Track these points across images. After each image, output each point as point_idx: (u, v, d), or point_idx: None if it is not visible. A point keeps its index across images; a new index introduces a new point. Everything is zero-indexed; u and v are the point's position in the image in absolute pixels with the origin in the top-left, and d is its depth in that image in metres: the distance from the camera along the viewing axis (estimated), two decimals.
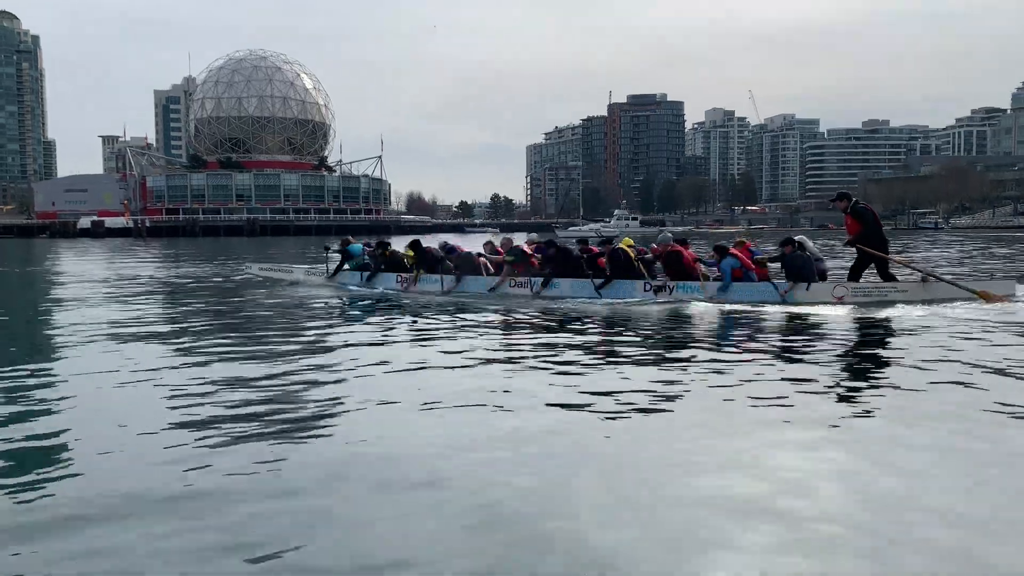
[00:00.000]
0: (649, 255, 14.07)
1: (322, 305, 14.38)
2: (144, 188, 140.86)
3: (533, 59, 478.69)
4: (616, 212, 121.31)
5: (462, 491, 4.26)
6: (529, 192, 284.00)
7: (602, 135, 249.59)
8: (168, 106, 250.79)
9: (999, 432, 5.19)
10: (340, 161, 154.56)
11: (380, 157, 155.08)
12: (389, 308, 13.60)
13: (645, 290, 13.30)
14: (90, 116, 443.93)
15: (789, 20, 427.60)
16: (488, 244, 16.33)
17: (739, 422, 5.56)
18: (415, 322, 11.65)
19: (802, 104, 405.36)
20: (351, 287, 16.80)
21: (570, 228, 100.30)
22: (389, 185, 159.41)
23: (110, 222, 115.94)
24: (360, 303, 14.70)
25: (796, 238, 13.29)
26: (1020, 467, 4.56)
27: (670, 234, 14.73)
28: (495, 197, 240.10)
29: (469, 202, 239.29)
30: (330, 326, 11.46)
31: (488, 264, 15.56)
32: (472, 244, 17.07)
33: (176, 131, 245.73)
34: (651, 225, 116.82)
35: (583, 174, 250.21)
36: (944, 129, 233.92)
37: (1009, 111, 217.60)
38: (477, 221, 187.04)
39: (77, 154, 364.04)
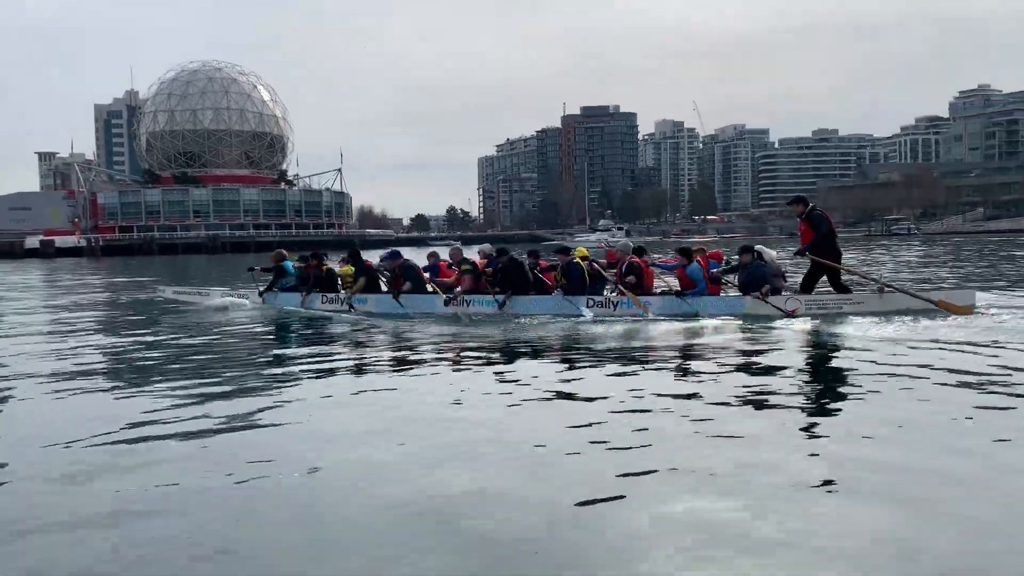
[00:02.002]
0: (604, 261, 13.66)
1: (253, 331, 13.24)
2: (95, 205, 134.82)
3: (479, 72, 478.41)
4: (602, 222, 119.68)
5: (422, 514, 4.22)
6: (482, 204, 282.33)
7: (557, 147, 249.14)
8: (110, 120, 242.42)
9: (956, 446, 5.18)
10: (297, 175, 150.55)
11: (340, 170, 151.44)
12: (322, 331, 12.81)
13: (588, 306, 12.76)
14: (24, 132, 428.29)
15: (730, 33, 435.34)
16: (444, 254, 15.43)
17: (679, 443, 5.48)
18: (364, 349, 10.90)
19: (748, 114, 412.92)
20: (287, 307, 15.52)
21: (577, 237, 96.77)
22: (351, 199, 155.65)
23: (60, 241, 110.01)
24: (295, 327, 13.70)
25: (756, 247, 12.85)
26: (973, 480, 4.52)
27: (631, 243, 14.19)
28: (451, 209, 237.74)
29: (425, 215, 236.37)
30: (265, 356, 10.54)
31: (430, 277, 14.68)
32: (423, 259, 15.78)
33: (119, 146, 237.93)
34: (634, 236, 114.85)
35: (538, 185, 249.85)
36: (890, 137, 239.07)
37: (952, 120, 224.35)
38: (434, 234, 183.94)
39: (10, 172, 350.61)
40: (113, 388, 8.35)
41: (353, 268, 14.97)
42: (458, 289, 13.88)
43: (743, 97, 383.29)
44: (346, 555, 3.81)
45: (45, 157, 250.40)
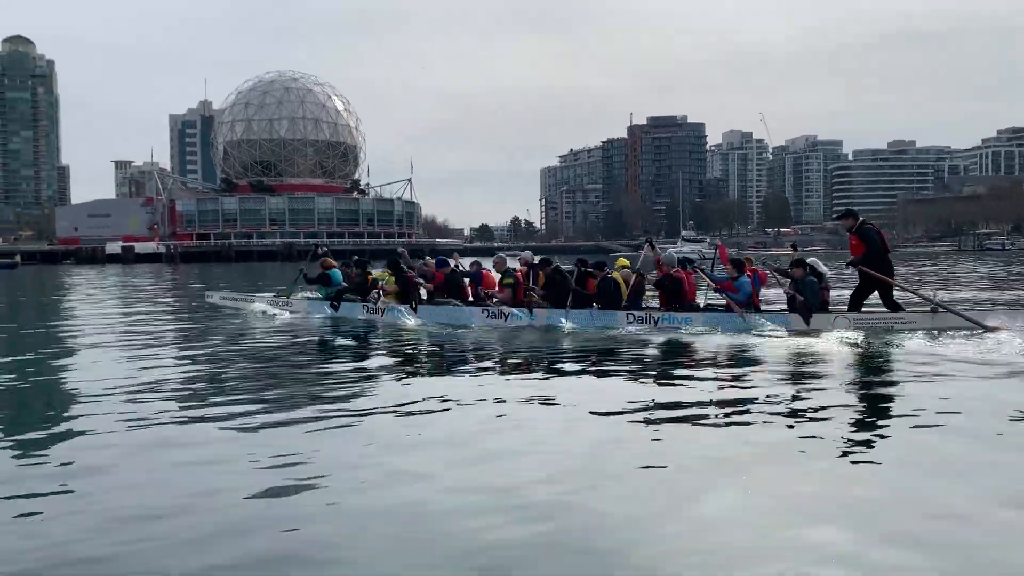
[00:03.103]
0: (650, 276, 13.53)
1: (293, 340, 12.87)
2: (173, 212, 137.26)
3: (541, 84, 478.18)
4: (683, 234, 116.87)
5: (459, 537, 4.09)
6: (544, 215, 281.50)
7: (623, 157, 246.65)
8: (184, 130, 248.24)
9: (1006, 478, 4.90)
10: (368, 184, 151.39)
11: (410, 179, 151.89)
12: (362, 340, 12.69)
13: (628, 321, 12.59)
14: (101, 141, 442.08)
15: (796, 43, 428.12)
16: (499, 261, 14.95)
17: (724, 464, 5.30)
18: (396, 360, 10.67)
19: (818, 126, 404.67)
20: (317, 316, 15.59)
21: (670, 249, 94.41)
22: (420, 208, 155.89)
23: (140, 247, 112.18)
24: (334, 336, 13.38)
25: (808, 260, 12.68)
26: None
27: (675, 255, 13.97)
28: (515, 220, 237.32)
29: (489, 225, 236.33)
30: (301, 366, 10.24)
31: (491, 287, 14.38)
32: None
33: (192, 155, 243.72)
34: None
35: (602, 196, 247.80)
36: (971, 149, 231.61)
37: None
38: (499, 244, 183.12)
39: (89, 180, 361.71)
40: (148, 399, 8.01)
41: (393, 276, 14.91)
42: (495, 300, 13.86)
43: (812, 108, 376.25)
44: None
45: (121, 165, 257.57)
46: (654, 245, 14.71)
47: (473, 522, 4.23)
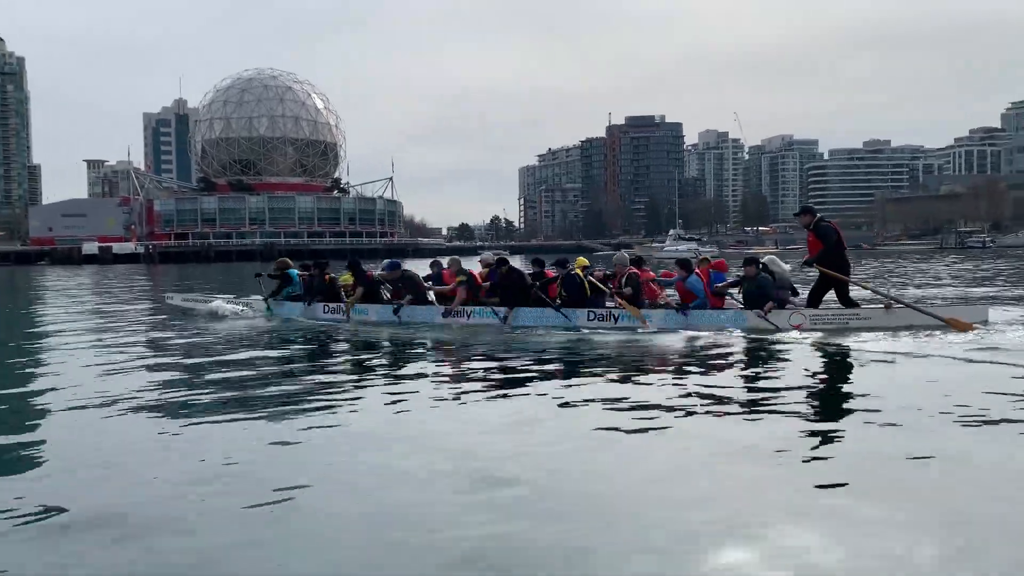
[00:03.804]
0: (605, 274, 13.47)
1: (254, 342, 12.86)
2: (151, 212, 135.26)
3: (518, 84, 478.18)
4: (671, 232, 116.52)
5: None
6: (523, 214, 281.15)
7: (601, 156, 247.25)
8: (158, 129, 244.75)
9: (960, 473, 4.96)
10: (348, 183, 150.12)
11: (391, 178, 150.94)
12: (324, 341, 12.68)
13: (589, 319, 12.54)
14: (73, 140, 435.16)
15: (769, 44, 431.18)
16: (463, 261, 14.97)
17: (674, 461, 5.32)
18: (356, 360, 10.84)
19: (793, 126, 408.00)
20: (290, 317, 15.48)
21: (665, 248, 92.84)
22: (402, 207, 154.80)
23: (118, 248, 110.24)
24: (296, 338, 13.30)
25: (763, 258, 12.66)
26: (978, 509, 4.31)
27: (627, 255, 13.82)
28: (495, 219, 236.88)
29: (469, 224, 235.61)
30: (263, 369, 10.01)
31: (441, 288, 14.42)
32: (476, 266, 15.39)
33: (167, 154, 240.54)
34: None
35: (581, 195, 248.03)
36: (944, 149, 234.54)
37: (1008, 132, 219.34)
38: (481, 244, 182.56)
39: (61, 179, 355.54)
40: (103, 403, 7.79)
41: (353, 277, 14.84)
42: (455, 301, 13.76)
43: (787, 109, 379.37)
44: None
45: (94, 165, 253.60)
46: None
47: (445, 522, 4.21)
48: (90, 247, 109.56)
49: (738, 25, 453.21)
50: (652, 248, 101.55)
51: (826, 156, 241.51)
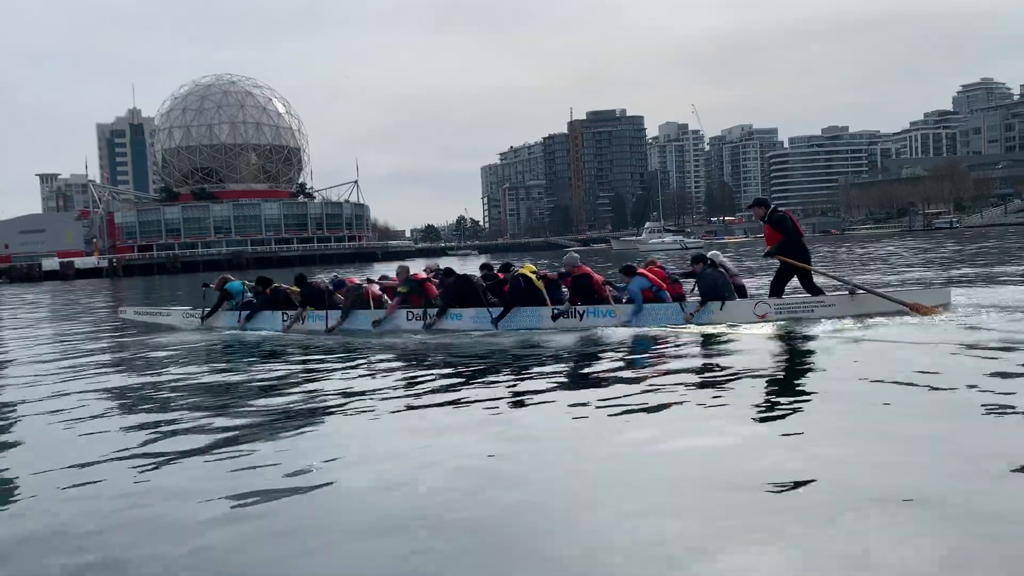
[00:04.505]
0: (555, 277, 13.30)
1: (184, 353, 12.94)
2: (112, 224, 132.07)
3: (474, 84, 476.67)
4: (648, 224, 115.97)
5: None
6: (487, 213, 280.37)
7: (564, 152, 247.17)
8: (113, 140, 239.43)
9: (928, 458, 4.93)
10: (312, 188, 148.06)
11: (356, 182, 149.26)
12: (267, 352, 12.55)
13: (553, 318, 12.38)
14: (24, 154, 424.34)
15: (721, 35, 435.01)
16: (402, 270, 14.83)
17: (650, 455, 5.33)
18: (287, 366, 10.89)
19: (750, 116, 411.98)
20: (226, 331, 15.34)
21: (651, 241, 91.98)
22: (369, 210, 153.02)
23: (80, 262, 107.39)
24: (231, 348, 13.38)
25: (708, 253, 12.82)
26: (945, 492, 4.29)
27: (576, 254, 13.80)
28: (460, 219, 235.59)
29: (435, 226, 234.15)
30: (186, 378, 10.19)
31: (386, 296, 14.35)
32: (462, 269, 15.12)
33: (122, 165, 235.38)
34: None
35: (546, 192, 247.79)
36: (899, 133, 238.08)
37: (961, 115, 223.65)
38: (453, 244, 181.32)
39: (11, 194, 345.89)
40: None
41: (299, 289, 15.03)
42: (384, 312, 13.76)
43: (744, 99, 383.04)
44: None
45: (47, 179, 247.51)
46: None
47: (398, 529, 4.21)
48: (50, 263, 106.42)
49: (689, 16, 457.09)
50: (636, 242, 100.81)
51: (786, 144, 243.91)
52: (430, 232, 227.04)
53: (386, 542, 4.03)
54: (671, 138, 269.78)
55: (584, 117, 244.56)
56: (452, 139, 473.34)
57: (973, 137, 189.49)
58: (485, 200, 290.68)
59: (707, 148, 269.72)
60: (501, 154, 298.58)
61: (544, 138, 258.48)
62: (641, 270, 12.56)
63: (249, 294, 15.70)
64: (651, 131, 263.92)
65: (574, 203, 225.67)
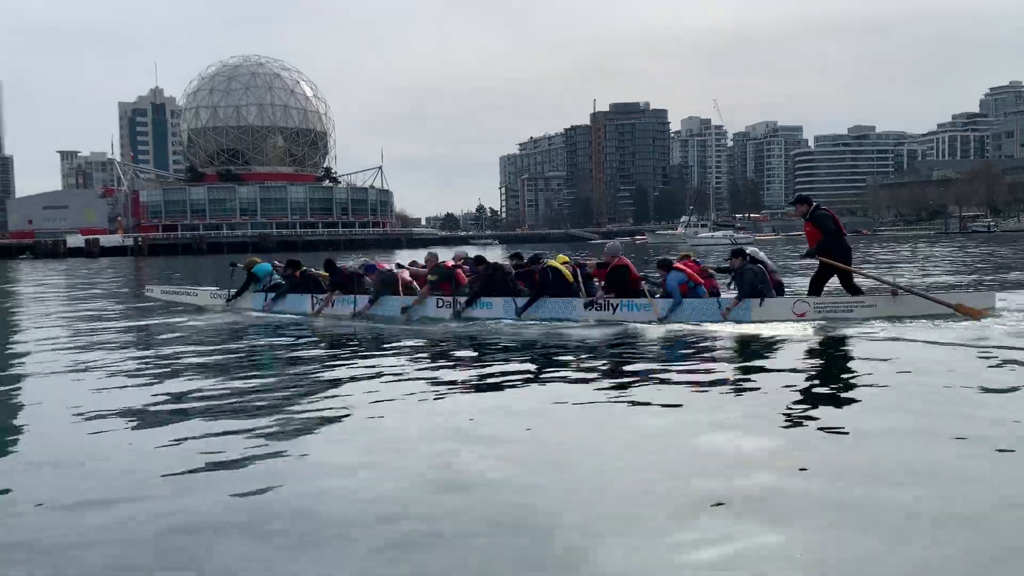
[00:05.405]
0: (591, 265, 13.29)
1: (215, 335, 12.81)
2: (137, 203, 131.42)
3: (492, 73, 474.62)
4: (683, 219, 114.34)
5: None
6: (505, 203, 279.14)
7: (586, 144, 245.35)
8: (135, 119, 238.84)
9: (966, 462, 4.89)
10: (336, 172, 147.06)
11: (380, 168, 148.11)
12: (293, 335, 12.47)
13: (585, 308, 12.27)
14: (45, 131, 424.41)
15: (746, 28, 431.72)
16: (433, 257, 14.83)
17: (687, 458, 5.17)
18: (312, 351, 10.78)
19: (772, 113, 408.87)
20: (254, 312, 15.14)
21: (699, 236, 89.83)
22: (393, 196, 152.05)
23: (105, 240, 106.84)
24: (262, 329, 13.33)
25: (748, 249, 12.50)
26: (988, 497, 4.28)
27: (619, 244, 13.56)
28: (480, 209, 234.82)
29: (455, 214, 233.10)
30: (218, 360, 10.04)
31: (415, 283, 14.15)
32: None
33: (143, 144, 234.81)
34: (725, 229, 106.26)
35: (565, 183, 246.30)
36: (927, 134, 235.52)
37: (990, 117, 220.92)
38: (472, 234, 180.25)
39: (33, 171, 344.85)
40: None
41: (328, 274, 14.82)
42: (414, 300, 13.59)
43: (768, 96, 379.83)
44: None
45: (67, 156, 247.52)
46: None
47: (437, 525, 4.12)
48: (75, 240, 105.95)
49: (713, 10, 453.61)
50: (677, 236, 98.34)
51: (811, 142, 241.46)
52: (449, 220, 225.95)
53: (401, 535, 3.97)
54: (693, 133, 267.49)
55: (607, 109, 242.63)
56: (471, 128, 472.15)
57: (1006, 141, 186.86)
58: (503, 190, 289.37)
59: (730, 144, 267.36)
60: (520, 144, 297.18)
61: (566, 129, 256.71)
62: (678, 264, 12.34)
63: (276, 276, 15.49)
64: (674, 125, 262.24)
65: (595, 195, 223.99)
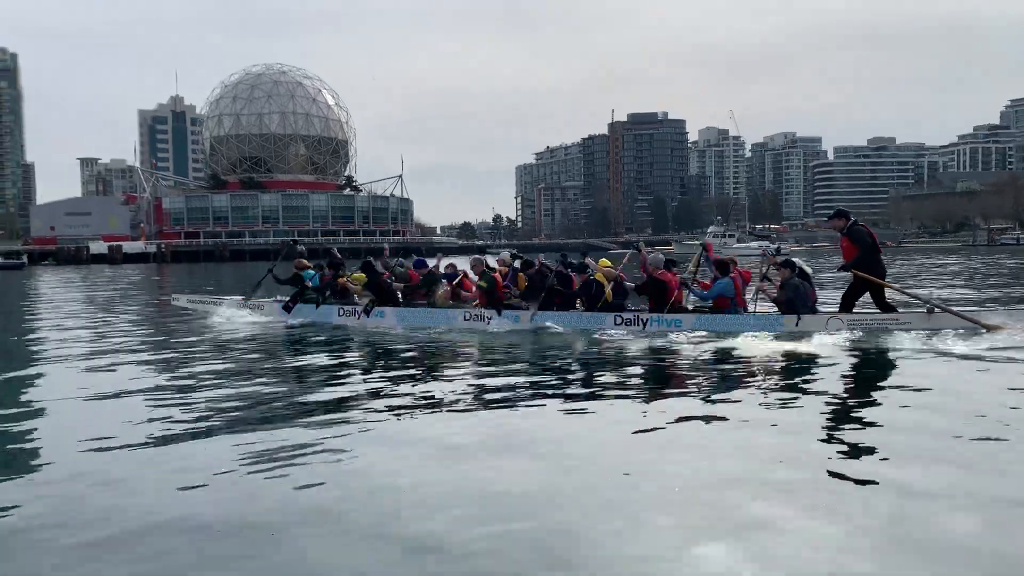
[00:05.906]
0: (629, 281, 13.20)
1: (261, 345, 12.55)
2: (159, 210, 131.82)
3: (512, 83, 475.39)
4: (711, 229, 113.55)
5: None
6: (520, 212, 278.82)
7: (604, 154, 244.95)
8: (155, 126, 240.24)
9: (1005, 483, 4.85)
10: (356, 180, 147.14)
11: (401, 176, 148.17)
12: (326, 343, 12.48)
13: (616, 324, 12.31)
14: (65, 138, 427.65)
15: (764, 39, 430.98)
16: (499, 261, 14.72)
17: (719, 473, 5.14)
18: (350, 358, 10.90)
19: (790, 123, 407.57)
20: (291, 321, 14.93)
21: (734, 246, 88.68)
22: (413, 205, 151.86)
23: (128, 247, 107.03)
24: (310, 341, 12.99)
25: (795, 260, 12.43)
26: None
27: (662, 256, 13.23)
28: (497, 218, 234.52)
29: (472, 223, 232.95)
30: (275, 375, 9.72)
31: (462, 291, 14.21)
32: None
33: (163, 151, 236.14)
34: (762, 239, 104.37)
35: (582, 193, 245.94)
36: (947, 146, 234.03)
37: (1012, 129, 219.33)
38: (490, 243, 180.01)
39: (53, 177, 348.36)
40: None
41: (365, 277, 14.57)
42: (475, 303, 13.67)
43: (785, 106, 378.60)
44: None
45: (87, 163, 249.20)
46: (640, 249, 13.89)
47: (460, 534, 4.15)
48: (98, 246, 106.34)
49: (733, 20, 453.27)
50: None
51: (830, 154, 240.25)
52: (466, 229, 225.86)
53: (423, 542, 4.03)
54: (711, 143, 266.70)
55: (625, 119, 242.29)
56: (487, 137, 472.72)
57: None
58: (519, 199, 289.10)
59: (748, 155, 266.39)
60: (537, 154, 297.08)
61: (583, 139, 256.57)
62: (737, 269, 12.34)
63: (316, 280, 15.20)
64: (691, 135, 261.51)
65: (612, 205, 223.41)
